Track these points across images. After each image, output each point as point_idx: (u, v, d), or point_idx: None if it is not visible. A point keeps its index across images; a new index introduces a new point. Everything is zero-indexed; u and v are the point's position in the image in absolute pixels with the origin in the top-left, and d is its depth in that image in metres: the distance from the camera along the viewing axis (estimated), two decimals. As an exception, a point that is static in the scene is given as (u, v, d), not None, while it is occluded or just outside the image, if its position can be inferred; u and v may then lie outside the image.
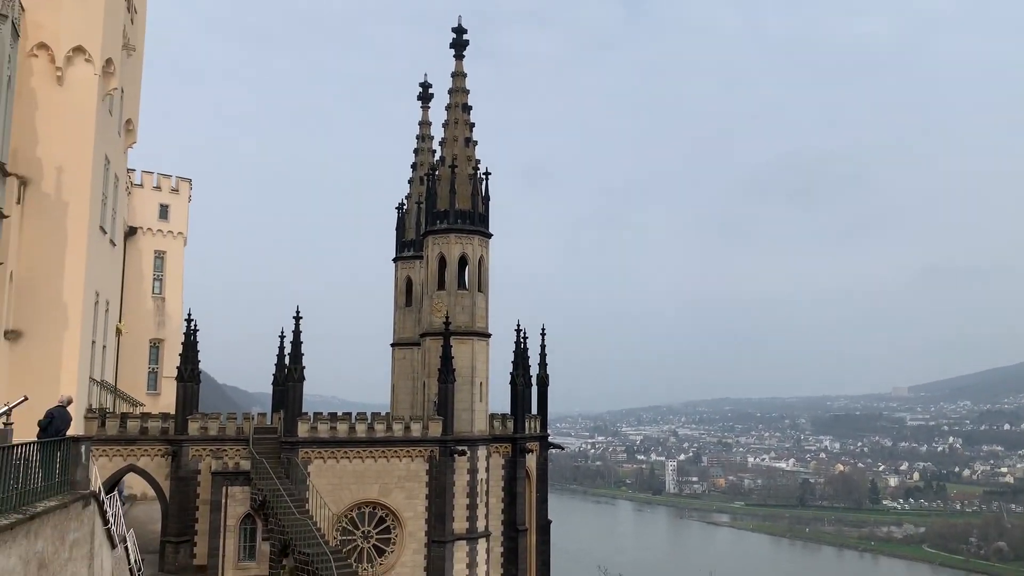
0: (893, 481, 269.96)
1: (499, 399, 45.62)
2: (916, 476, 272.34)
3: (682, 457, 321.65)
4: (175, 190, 58.28)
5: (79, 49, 34.60)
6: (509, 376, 46.17)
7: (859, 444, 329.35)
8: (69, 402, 18.60)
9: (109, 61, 35.96)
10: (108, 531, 20.35)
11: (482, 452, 41.97)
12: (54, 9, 34.12)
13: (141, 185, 56.52)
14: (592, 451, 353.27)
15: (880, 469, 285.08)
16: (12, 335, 32.27)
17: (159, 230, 56.97)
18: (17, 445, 14.72)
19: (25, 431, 18.31)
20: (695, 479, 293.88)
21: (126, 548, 25.17)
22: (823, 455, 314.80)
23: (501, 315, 46.89)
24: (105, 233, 40.13)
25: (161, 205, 57.31)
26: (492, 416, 44.16)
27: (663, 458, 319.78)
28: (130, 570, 25.93)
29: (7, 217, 29.47)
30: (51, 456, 15.69)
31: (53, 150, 33.91)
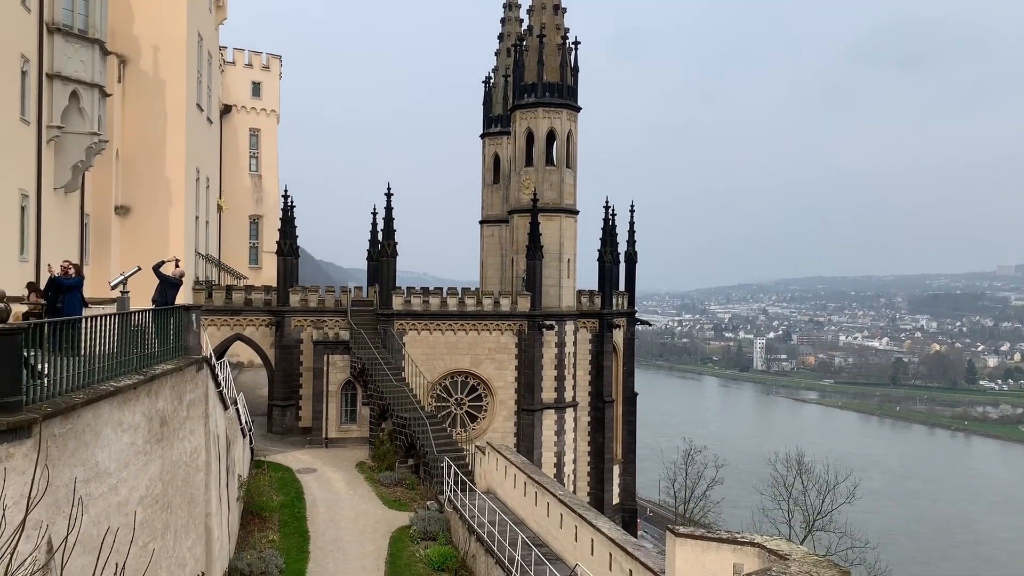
0: (992, 362, 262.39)
1: (587, 276, 45.88)
2: (1017, 357, 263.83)
3: (771, 335, 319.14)
4: (266, 67, 58.71)
5: (167, -77, 34.44)
6: (597, 253, 46.18)
7: (958, 324, 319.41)
8: (181, 276, 19.61)
9: (196, -66, 35.75)
10: (220, 393, 21.78)
11: (569, 327, 42.59)
12: None
13: (233, 63, 57.11)
14: (679, 328, 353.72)
15: (979, 349, 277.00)
16: (121, 210, 33.88)
17: (252, 108, 57.86)
18: (135, 312, 15.70)
19: (138, 299, 19.50)
20: (784, 357, 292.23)
21: (237, 410, 26.97)
22: (919, 334, 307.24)
23: (589, 192, 46.70)
24: (202, 111, 41.03)
25: (253, 83, 57.96)
26: (580, 292, 44.52)
27: (751, 336, 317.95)
28: (241, 430, 27.88)
29: (110, 96, 30.38)
30: (165, 323, 16.70)
31: (149, 28, 34.43)
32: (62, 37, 26.36)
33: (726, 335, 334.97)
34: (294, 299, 40.41)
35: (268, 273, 53.66)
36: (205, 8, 41.23)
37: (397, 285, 40.82)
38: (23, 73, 24.14)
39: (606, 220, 46.51)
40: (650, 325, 71.70)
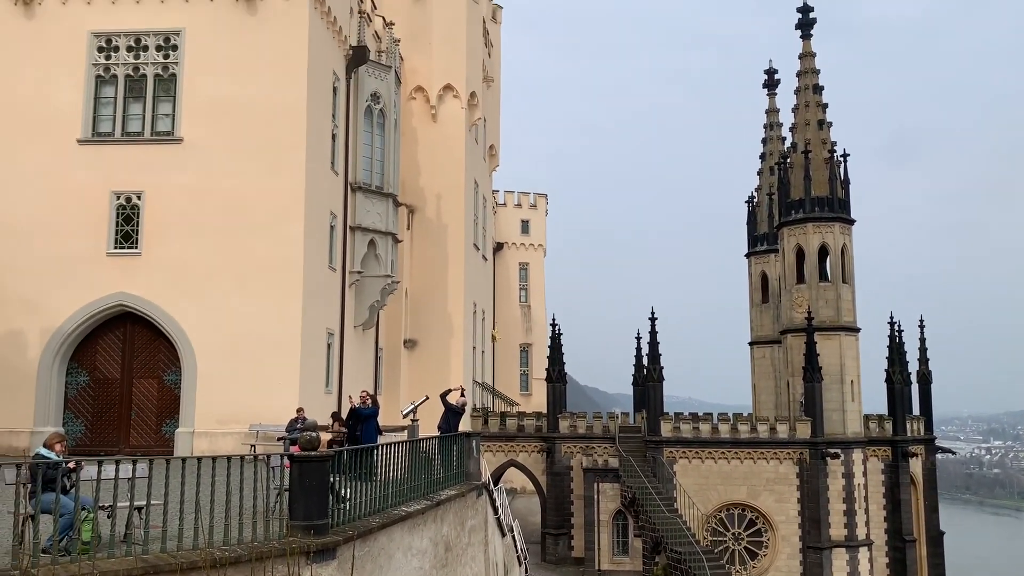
0: None
1: (872, 399, 42.09)
2: None
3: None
4: (533, 206, 62.53)
5: (448, 87, 38.58)
6: (884, 374, 42.41)
7: None
8: (463, 405, 20.68)
9: (473, 95, 39.62)
10: (498, 520, 22.27)
11: (857, 455, 39.00)
12: (426, 55, 38.43)
13: (504, 204, 61.47)
14: (988, 457, 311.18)
15: None
16: (410, 344, 36.85)
17: (522, 243, 61.49)
18: (423, 439, 16.70)
19: (424, 427, 20.77)
20: None
21: (513, 537, 27.33)
22: None
23: (868, 307, 43.35)
24: (478, 250, 44.26)
25: (522, 220, 61.83)
26: (866, 417, 40.87)
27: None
28: (517, 558, 28.11)
29: (400, 241, 33.77)
30: (449, 450, 17.57)
31: (432, 180, 38.20)
32: (362, 194, 29.98)
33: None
34: (563, 425, 40.98)
35: (537, 399, 55.17)
36: (480, 158, 45.13)
37: (664, 411, 40.06)
38: (331, 227, 27.60)
39: (892, 337, 42.85)
40: (953, 453, 63.97)
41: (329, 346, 27.23)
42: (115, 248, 24.14)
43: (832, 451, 38.15)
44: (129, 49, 25.04)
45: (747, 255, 52.87)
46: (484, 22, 42.97)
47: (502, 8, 48.06)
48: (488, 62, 46.40)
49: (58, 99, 24.73)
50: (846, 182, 41.43)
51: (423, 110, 38.61)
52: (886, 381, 42.18)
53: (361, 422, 18.04)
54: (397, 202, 32.10)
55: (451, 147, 38.74)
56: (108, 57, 25.05)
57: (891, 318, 43.11)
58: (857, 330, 40.78)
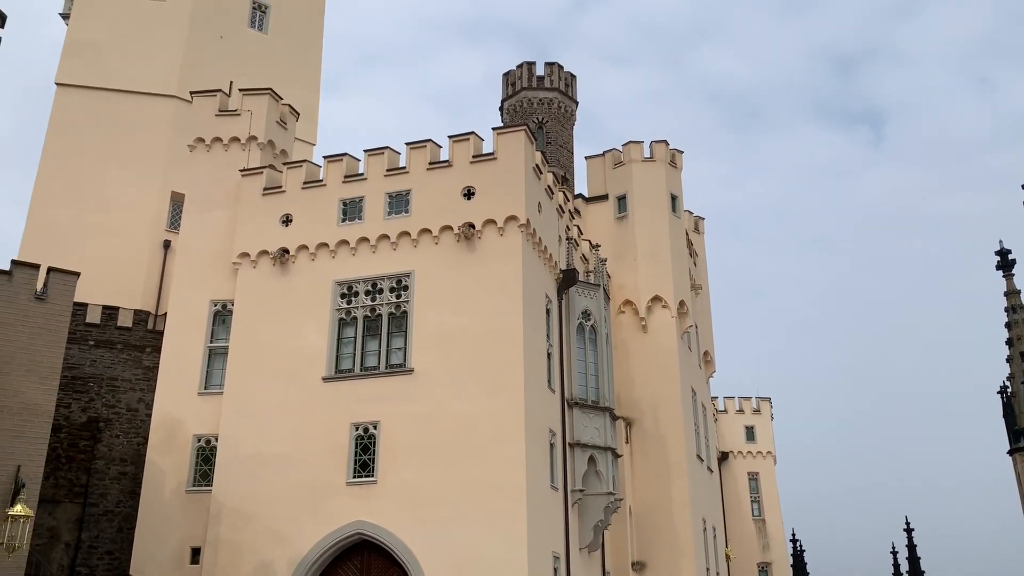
0: None
1: None
2: None
3: None
4: (756, 411, 59.89)
5: (656, 298, 39.11)
6: None
7: None
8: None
9: (682, 303, 39.86)
10: None
11: None
12: (632, 271, 39.52)
13: (725, 411, 59.39)
14: None
15: None
16: (638, 566, 35.04)
17: (748, 452, 58.41)
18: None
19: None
20: None
21: None
22: None
23: None
24: (702, 461, 42.49)
25: (746, 427, 59.13)
26: None
27: None
28: None
29: (620, 456, 33.21)
30: None
31: (647, 390, 37.89)
32: (579, 409, 30.22)
33: None
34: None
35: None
36: (695, 365, 44.51)
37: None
38: (551, 445, 27.77)
39: None
40: None
41: (555, 570, 26.47)
42: (353, 477, 25.58)
43: None
44: (367, 293, 27.86)
45: (1010, 452, 46.80)
46: (687, 234, 43.98)
47: (704, 219, 49.15)
48: (694, 270, 46.89)
49: (306, 342, 27.62)
50: (1120, 362, 36.51)
51: (633, 322, 39.16)
52: None
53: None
54: (614, 416, 31.98)
55: (664, 357, 38.59)
56: (349, 302, 27.94)
57: None
58: None
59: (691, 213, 47.70)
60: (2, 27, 24.68)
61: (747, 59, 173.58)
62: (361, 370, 26.94)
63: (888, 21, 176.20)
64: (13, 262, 26.75)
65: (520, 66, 48.14)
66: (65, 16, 47.06)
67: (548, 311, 29.37)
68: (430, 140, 28.89)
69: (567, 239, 32.39)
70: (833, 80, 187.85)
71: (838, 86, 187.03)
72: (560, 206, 32.25)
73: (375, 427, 25.90)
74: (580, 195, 41.19)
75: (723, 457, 56.88)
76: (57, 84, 39.98)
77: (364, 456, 25.80)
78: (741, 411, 59.68)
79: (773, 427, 60.29)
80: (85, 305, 31.63)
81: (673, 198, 40.32)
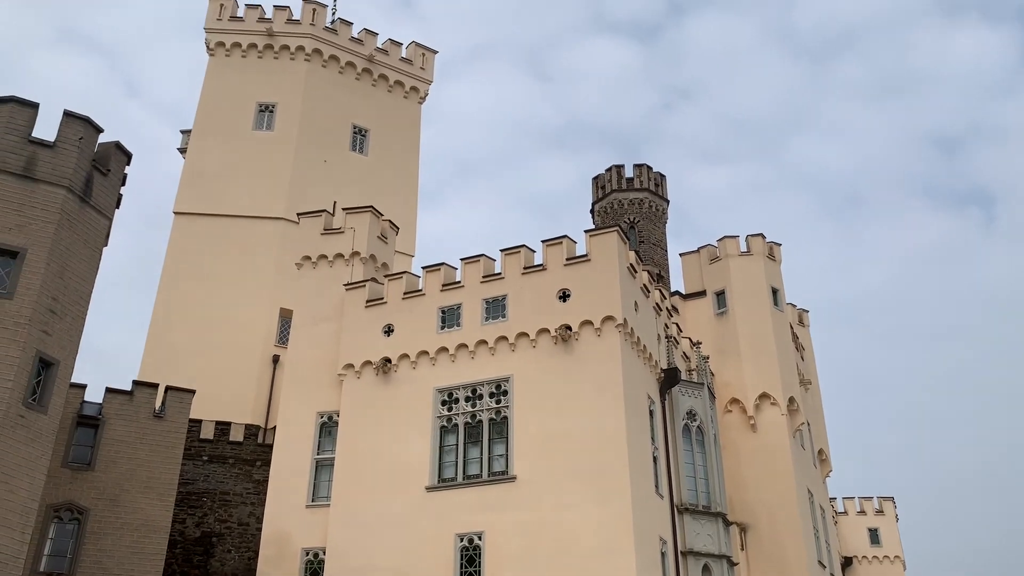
0: None
1: None
2: None
3: None
4: (879, 511, 56.24)
5: (764, 396, 37.75)
6: None
7: None
8: None
9: (792, 400, 38.33)
10: None
11: None
12: (736, 368, 38.42)
13: (845, 512, 56.01)
14: None
15: None
16: None
17: (874, 556, 54.59)
18: None
19: None
20: None
21: None
22: None
23: None
24: (824, 568, 39.83)
25: (869, 529, 55.51)
26: None
27: None
28: None
29: (736, 564, 31.50)
30: None
31: (761, 493, 36.13)
32: (690, 515, 29.02)
33: None
34: None
35: None
36: (810, 465, 42.38)
37: None
38: (662, 554, 26.60)
39: None
40: None
41: None
42: (459, 590, 25.02)
43: None
44: (467, 399, 27.94)
45: None
46: (791, 327, 42.72)
47: (808, 311, 47.76)
48: (802, 365, 45.26)
49: (409, 451, 27.71)
50: None
51: (741, 422, 37.79)
52: None
53: None
54: (727, 521, 30.54)
55: (776, 457, 36.89)
56: (449, 408, 28.04)
57: None
58: None
59: (794, 306, 46.48)
60: (128, 164, 26.84)
61: (844, 146, 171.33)
62: (464, 478, 26.74)
63: (990, 99, 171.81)
64: (134, 382, 28.22)
65: (609, 169, 48.96)
66: (182, 150, 50.95)
67: (651, 412, 28.70)
68: (524, 245, 29.36)
69: (666, 337, 31.91)
70: (937, 161, 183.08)
71: (942, 167, 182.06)
72: (657, 304, 31.95)
73: (479, 538, 25.45)
74: (677, 292, 40.80)
75: (846, 563, 53.23)
76: (175, 213, 42.86)
77: (470, 568, 25.28)
78: (863, 512, 56.13)
79: (899, 529, 56.35)
80: (199, 421, 32.85)
81: (774, 291, 39.43)
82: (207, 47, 47.01)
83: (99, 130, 24.99)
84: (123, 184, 26.53)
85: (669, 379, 30.36)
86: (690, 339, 35.66)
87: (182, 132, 52.83)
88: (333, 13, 50.10)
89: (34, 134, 23.80)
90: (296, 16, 47.31)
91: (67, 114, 24.50)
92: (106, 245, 25.65)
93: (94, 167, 24.74)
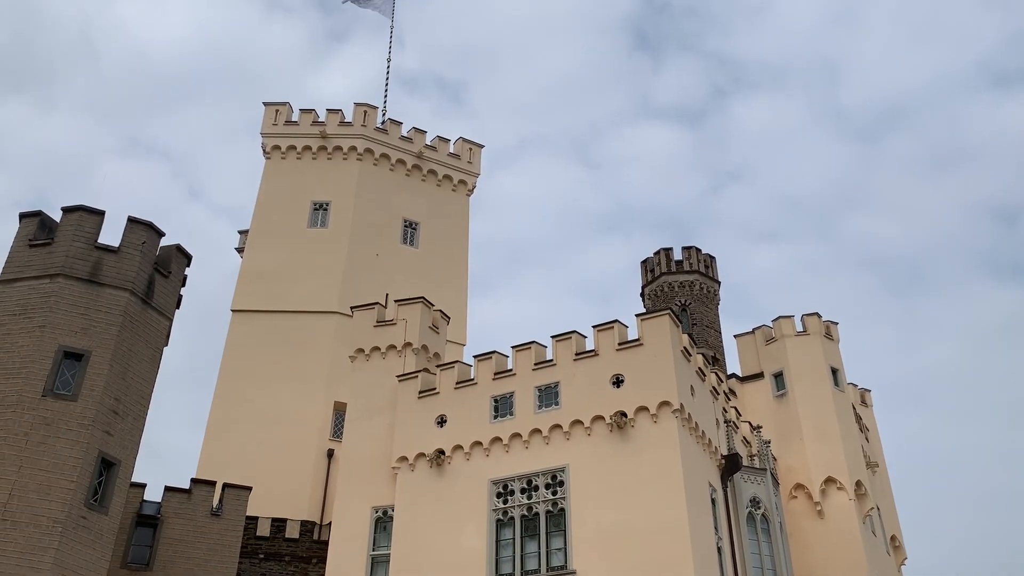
0: None
1: None
2: None
3: None
4: (963, 602, 52.97)
5: (829, 480, 36.37)
6: None
7: None
8: None
9: (859, 483, 36.83)
10: None
11: None
12: (800, 452, 37.21)
13: None
14: None
15: None
16: None
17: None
18: None
19: None
20: None
21: None
22: None
23: None
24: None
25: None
26: None
27: None
28: None
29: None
30: None
31: (833, 584, 34.42)
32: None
33: None
34: None
35: None
36: (882, 552, 40.37)
37: None
38: (733, 651, 25.30)
39: None
40: None
41: None
42: None
43: None
44: (523, 491, 27.42)
45: None
46: (854, 408, 41.42)
47: (871, 391, 46.39)
48: (867, 447, 43.64)
49: (465, 546, 27.14)
50: None
51: (807, 508, 36.35)
52: None
53: None
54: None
55: (847, 544, 35.24)
56: (505, 501, 27.53)
57: None
58: None
59: (856, 386, 45.22)
60: (188, 266, 27.73)
61: (901, 221, 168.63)
62: (522, 574, 26.01)
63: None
64: (193, 480, 28.41)
65: (657, 253, 48.90)
66: (239, 250, 52.47)
67: (713, 501, 27.79)
68: (575, 331, 29.25)
69: (725, 422, 31.15)
70: (997, 233, 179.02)
71: (1003, 238, 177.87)
72: (714, 388, 31.33)
73: (540, 636, 24.57)
74: (733, 375, 40.04)
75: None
76: (233, 311, 43.86)
77: (531, 670, 24.35)
78: (945, 603, 52.94)
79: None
80: (256, 518, 32.75)
81: (834, 371, 38.47)
82: (263, 150, 48.92)
83: (161, 234, 25.96)
84: (183, 285, 27.36)
85: (730, 465, 29.48)
86: (750, 423, 34.75)
87: (239, 232, 54.57)
88: (384, 114, 51.97)
89: (100, 239, 24.81)
90: (348, 118, 49.10)
91: (131, 220, 25.56)
92: (166, 345, 26.28)
93: (156, 270, 25.61)
